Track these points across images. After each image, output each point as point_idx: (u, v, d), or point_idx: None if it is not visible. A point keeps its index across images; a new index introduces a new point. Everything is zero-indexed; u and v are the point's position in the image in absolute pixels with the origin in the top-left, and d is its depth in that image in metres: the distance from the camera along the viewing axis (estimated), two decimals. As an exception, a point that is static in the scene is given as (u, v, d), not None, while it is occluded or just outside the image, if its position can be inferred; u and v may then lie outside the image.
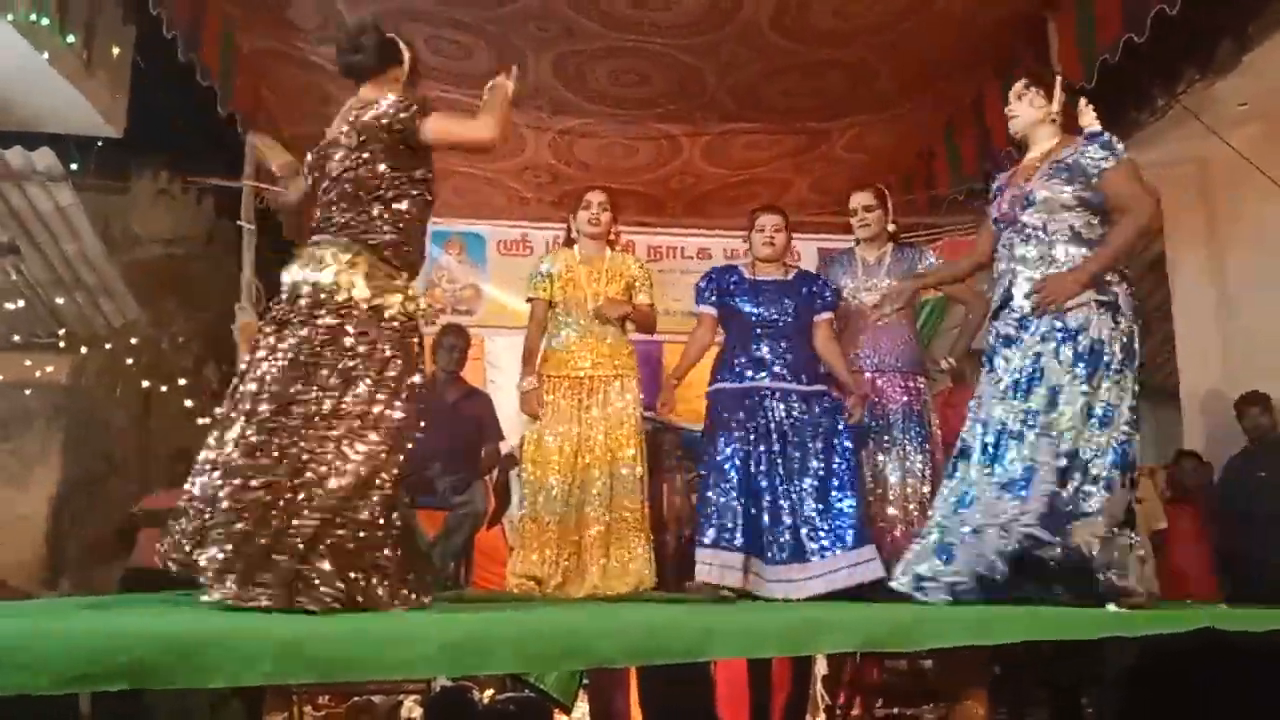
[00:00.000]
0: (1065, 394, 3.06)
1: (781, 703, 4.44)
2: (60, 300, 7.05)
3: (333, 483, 2.49)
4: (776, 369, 3.97)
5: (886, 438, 4.09)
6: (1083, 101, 3.32)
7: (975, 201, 6.82)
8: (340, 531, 2.48)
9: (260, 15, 5.17)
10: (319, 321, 2.65)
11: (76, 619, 2.29)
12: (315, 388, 2.59)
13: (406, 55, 3.01)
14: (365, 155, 2.78)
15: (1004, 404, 3.16)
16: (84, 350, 7.39)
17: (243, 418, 2.60)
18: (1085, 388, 3.05)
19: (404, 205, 2.82)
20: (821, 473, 3.86)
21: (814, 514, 3.82)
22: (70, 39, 5.68)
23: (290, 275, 2.77)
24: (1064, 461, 3.02)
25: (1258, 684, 2.69)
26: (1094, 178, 3.15)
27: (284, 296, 2.77)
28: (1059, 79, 3.39)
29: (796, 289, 4.13)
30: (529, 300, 4.23)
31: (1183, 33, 4.89)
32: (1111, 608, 2.88)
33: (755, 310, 4.05)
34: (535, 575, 3.92)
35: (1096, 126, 3.25)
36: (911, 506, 4.02)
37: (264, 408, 2.57)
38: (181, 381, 7.73)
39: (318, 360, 2.62)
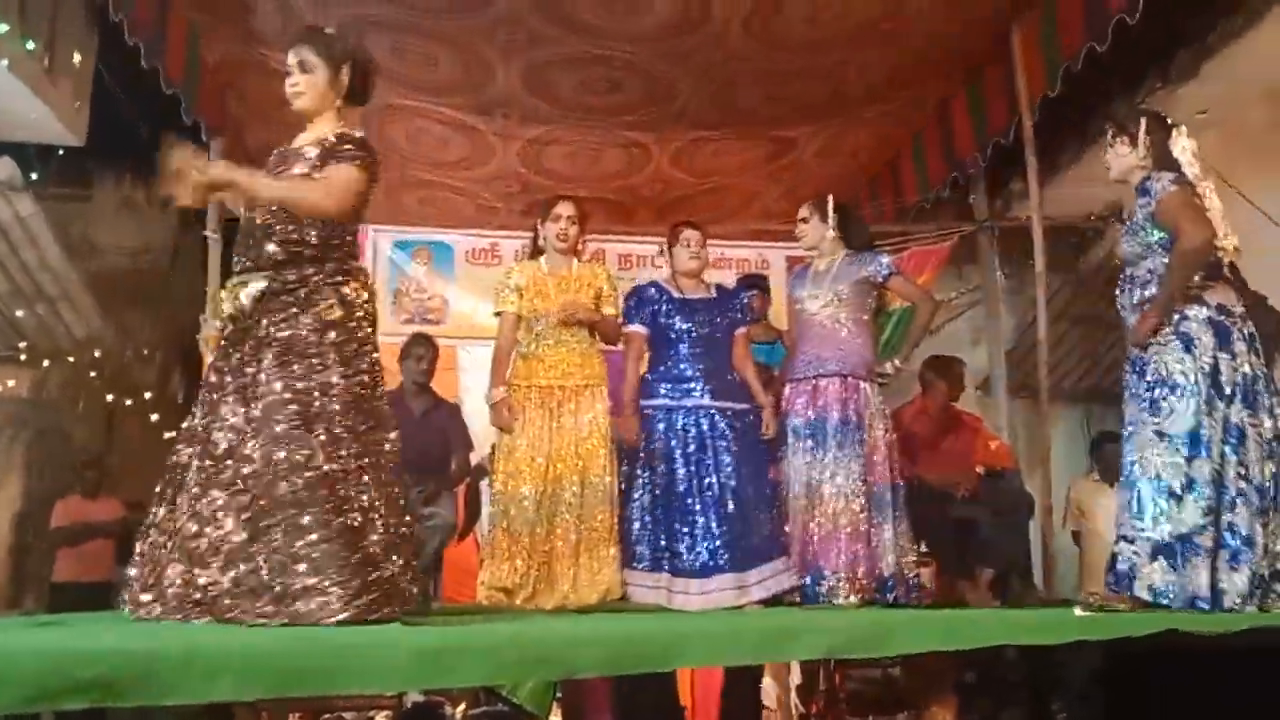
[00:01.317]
0: (1135, 426, 3.22)
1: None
2: (21, 312, 6.96)
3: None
4: (710, 385, 4.06)
5: (822, 442, 4.04)
6: (1175, 131, 3.36)
7: (942, 209, 6.89)
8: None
9: (225, 23, 5.12)
10: None
11: (37, 636, 2.25)
12: None
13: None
14: None
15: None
16: (46, 363, 7.29)
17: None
18: (1152, 419, 3.16)
19: None
20: (741, 484, 3.96)
21: (735, 526, 3.90)
22: (30, 45, 5.61)
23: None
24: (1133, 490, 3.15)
25: (1221, 683, 2.72)
26: (1150, 221, 3.25)
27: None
28: (1144, 120, 3.39)
29: (720, 304, 4.23)
30: (497, 314, 4.20)
31: (1143, 42, 4.98)
32: (1077, 611, 2.91)
33: (686, 327, 4.12)
34: (506, 586, 3.89)
35: (1186, 156, 3.31)
36: (846, 514, 3.93)
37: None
38: (146, 394, 7.65)
39: None
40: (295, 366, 2.60)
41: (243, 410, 2.61)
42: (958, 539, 4.73)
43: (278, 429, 2.52)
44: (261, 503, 2.48)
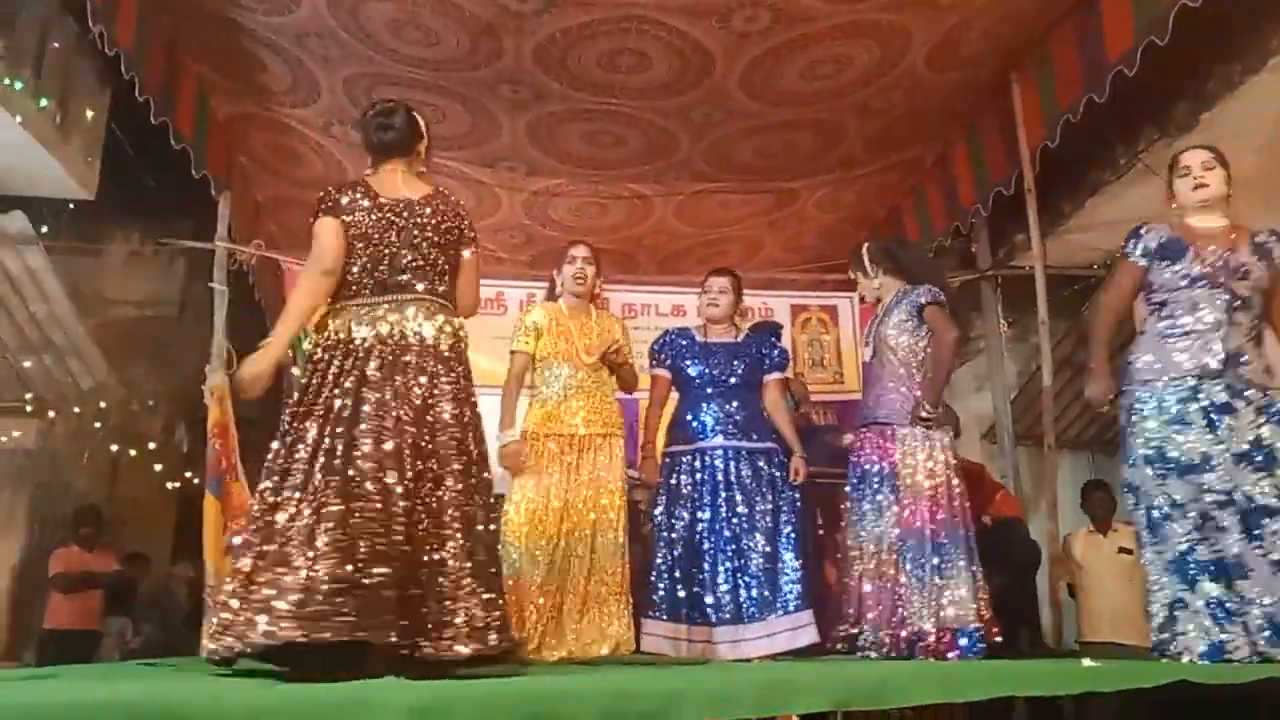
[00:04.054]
0: None
1: None
2: (28, 363, 6.99)
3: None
4: (725, 428, 4.07)
5: (875, 491, 3.88)
6: None
7: (945, 257, 6.91)
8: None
9: (235, 79, 5.20)
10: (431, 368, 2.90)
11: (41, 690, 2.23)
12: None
13: (425, 131, 3.19)
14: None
15: (1240, 473, 3.15)
16: (51, 415, 7.31)
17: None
18: None
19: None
20: (769, 531, 3.94)
21: (759, 573, 3.88)
22: (44, 103, 5.71)
23: (383, 326, 2.90)
24: None
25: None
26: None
27: (378, 345, 2.87)
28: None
29: (746, 349, 4.23)
30: (512, 353, 4.16)
31: (1142, 93, 5.01)
32: (1086, 662, 2.87)
33: (703, 371, 4.16)
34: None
35: None
36: (889, 565, 3.76)
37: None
38: (151, 445, 7.66)
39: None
40: None
41: None
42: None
43: None
44: None
